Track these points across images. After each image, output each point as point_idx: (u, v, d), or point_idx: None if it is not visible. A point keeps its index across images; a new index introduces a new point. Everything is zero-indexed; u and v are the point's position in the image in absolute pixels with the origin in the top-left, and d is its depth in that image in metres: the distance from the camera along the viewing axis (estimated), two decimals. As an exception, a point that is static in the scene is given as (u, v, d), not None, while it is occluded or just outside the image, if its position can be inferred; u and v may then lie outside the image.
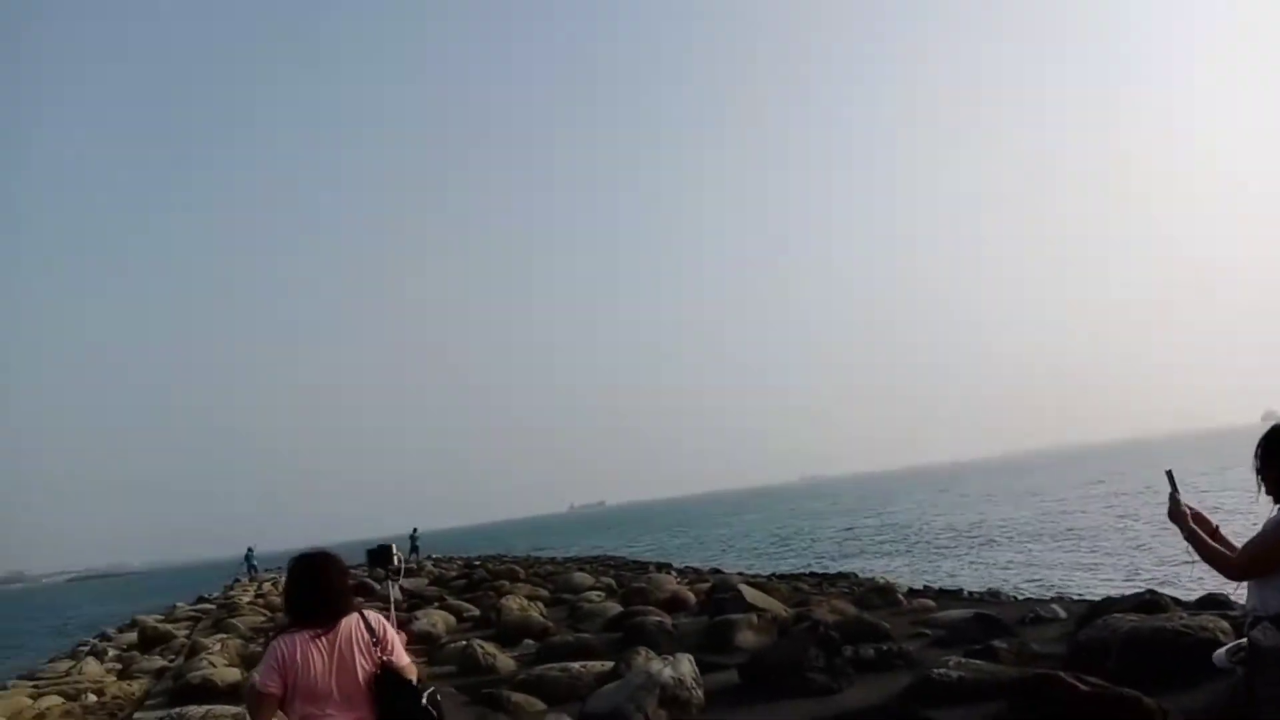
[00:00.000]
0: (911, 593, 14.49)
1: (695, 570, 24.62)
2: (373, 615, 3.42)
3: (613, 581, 19.15)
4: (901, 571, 21.53)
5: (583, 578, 19.55)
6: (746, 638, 10.24)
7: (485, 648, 10.27)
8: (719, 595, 12.56)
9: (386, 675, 3.32)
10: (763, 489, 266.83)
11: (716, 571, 23.22)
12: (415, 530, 45.75)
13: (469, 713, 8.06)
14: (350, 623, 3.35)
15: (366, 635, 3.34)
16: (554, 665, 9.26)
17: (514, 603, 14.84)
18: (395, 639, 3.44)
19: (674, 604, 14.05)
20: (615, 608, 14.08)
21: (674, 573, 22.61)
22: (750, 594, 12.07)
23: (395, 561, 4.28)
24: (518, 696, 8.28)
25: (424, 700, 3.35)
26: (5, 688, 15.62)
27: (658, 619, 11.51)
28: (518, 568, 24.42)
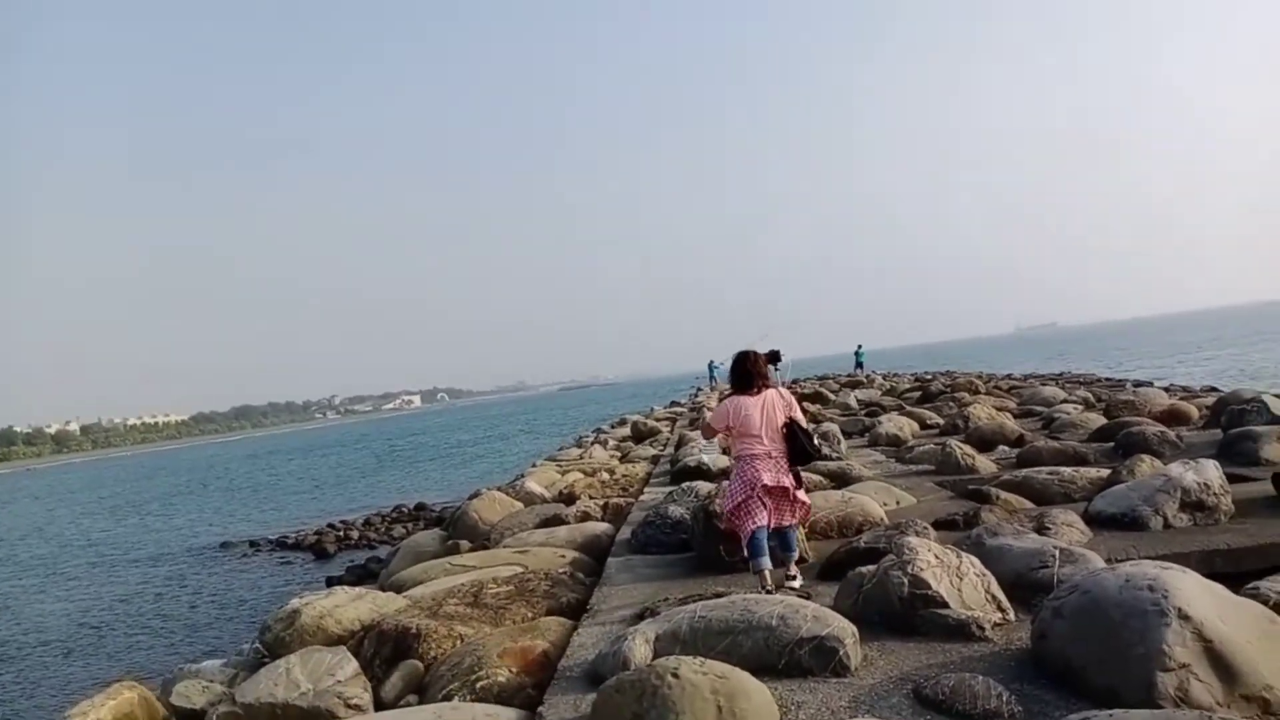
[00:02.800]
0: None
1: (1185, 388, 21.95)
2: (784, 390, 5.98)
3: (1089, 395, 17.73)
4: None
5: (1053, 391, 18.34)
6: (1275, 451, 8.89)
7: (963, 448, 10.06)
8: (1234, 406, 10.97)
9: (792, 422, 5.83)
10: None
11: (1212, 389, 20.47)
12: (859, 347, 46.40)
13: (955, 505, 8.02)
14: (770, 392, 5.88)
15: (781, 400, 5.86)
16: (1040, 469, 8.82)
17: (980, 411, 14.35)
18: (795, 404, 5.96)
19: (1171, 417, 12.61)
20: (1098, 419, 13.01)
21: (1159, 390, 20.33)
22: (1277, 405, 10.39)
23: (781, 359, 6.28)
24: (1006, 495, 8.02)
25: (815, 439, 6.19)
26: (535, 465, 18.82)
27: (1157, 429, 10.40)
28: (976, 380, 23.62)
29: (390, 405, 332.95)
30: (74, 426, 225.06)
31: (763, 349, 6.01)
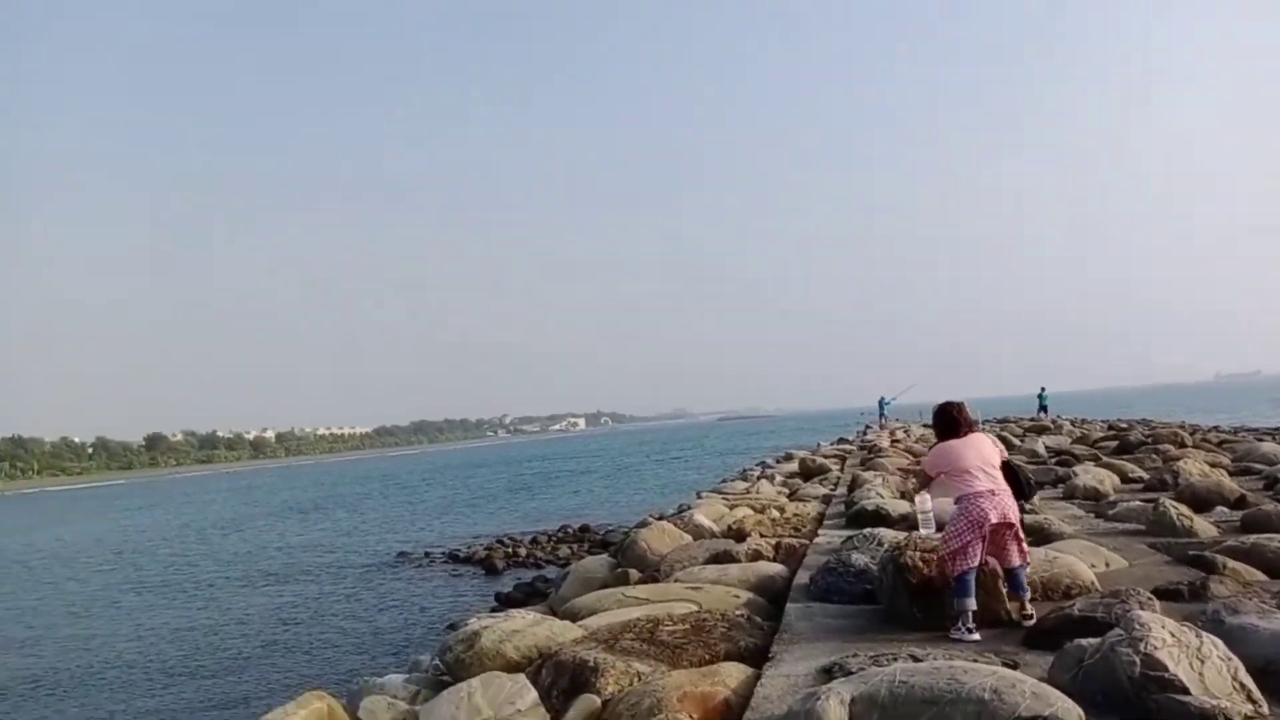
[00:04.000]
0: None
1: None
2: (989, 434, 6.37)
3: (1318, 454, 15.95)
4: None
5: (1273, 447, 16.59)
6: None
7: (1178, 509, 9.17)
8: None
9: (1008, 462, 5.96)
10: None
11: None
12: (1043, 390, 43.88)
13: (1174, 571, 7.27)
14: (978, 434, 6.05)
15: (990, 441, 6.00)
16: (1273, 535, 7.89)
17: (1192, 466, 13.14)
18: (1001, 445, 6.08)
19: None
20: (1333, 483, 11.64)
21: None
22: None
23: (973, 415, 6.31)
24: (1234, 563, 7.20)
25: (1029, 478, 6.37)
26: (700, 496, 18.65)
27: None
28: (1180, 432, 21.74)
29: (557, 427, 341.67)
30: (269, 434, 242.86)
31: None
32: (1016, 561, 5.75)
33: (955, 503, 5.78)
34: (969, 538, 5.52)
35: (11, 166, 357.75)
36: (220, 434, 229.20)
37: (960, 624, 5.50)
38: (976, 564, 5.53)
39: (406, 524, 38.31)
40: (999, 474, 5.80)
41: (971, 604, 5.48)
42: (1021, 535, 5.84)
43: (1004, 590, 5.78)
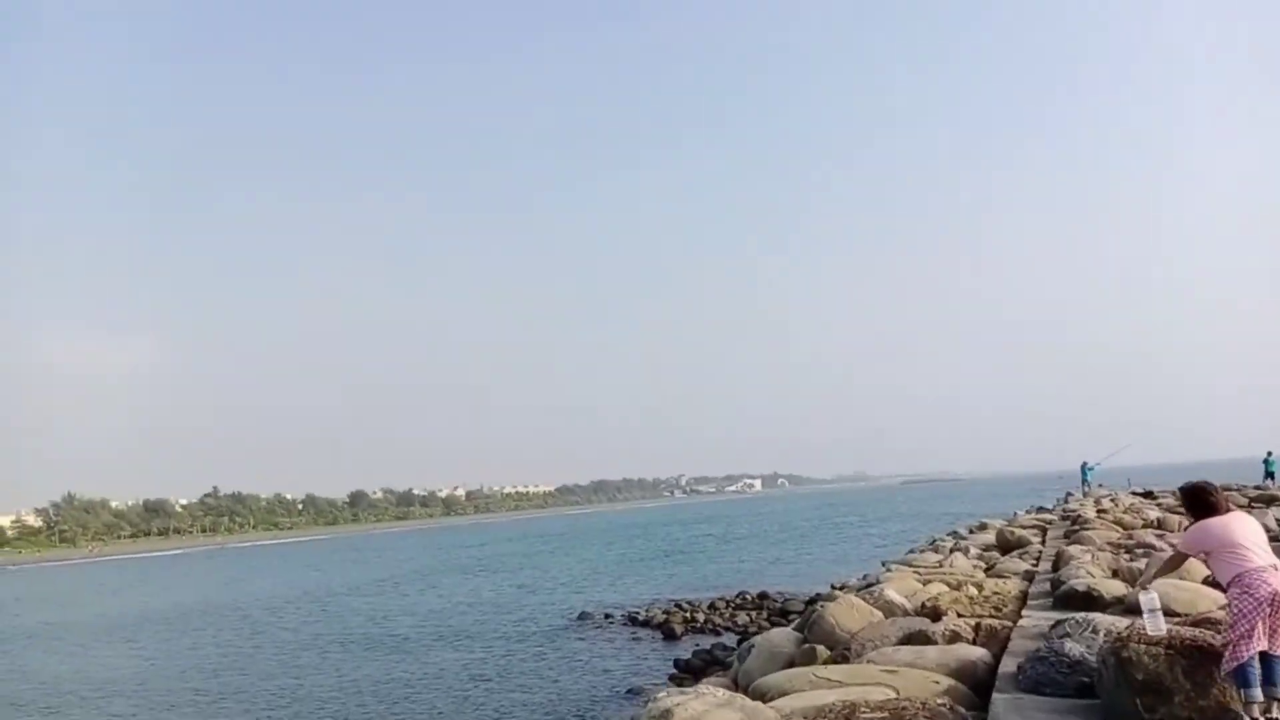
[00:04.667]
0: None
1: None
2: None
3: None
4: None
5: None
6: None
7: None
8: None
9: None
10: None
11: None
12: (1271, 455, 39.80)
13: None
14: (1239, 512, 5.77)
15: (1256, 521, 5.64)
16: None
17: None
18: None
19: None
20: None
21: None
22: None
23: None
24: None
25: None
26: (888, 569, 17.95)
27: None
28: None
29: (733, 487, 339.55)
30: (460, 492, 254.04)
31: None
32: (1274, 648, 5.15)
33: (1231, 583, 5.33)
34: (1255, 618, 5.07)
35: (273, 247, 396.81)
36: (416, 491, 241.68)
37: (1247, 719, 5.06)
38: (1260, 648, 5.05)
39: (586, 583, 38.91)
40: (1270, 551, 5.44)
41: (1259, 694, 5.04)
42: None
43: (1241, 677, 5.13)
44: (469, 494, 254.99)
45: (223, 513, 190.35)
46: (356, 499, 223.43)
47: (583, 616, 27.54)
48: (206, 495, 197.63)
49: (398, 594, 41.71)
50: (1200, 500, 5.73)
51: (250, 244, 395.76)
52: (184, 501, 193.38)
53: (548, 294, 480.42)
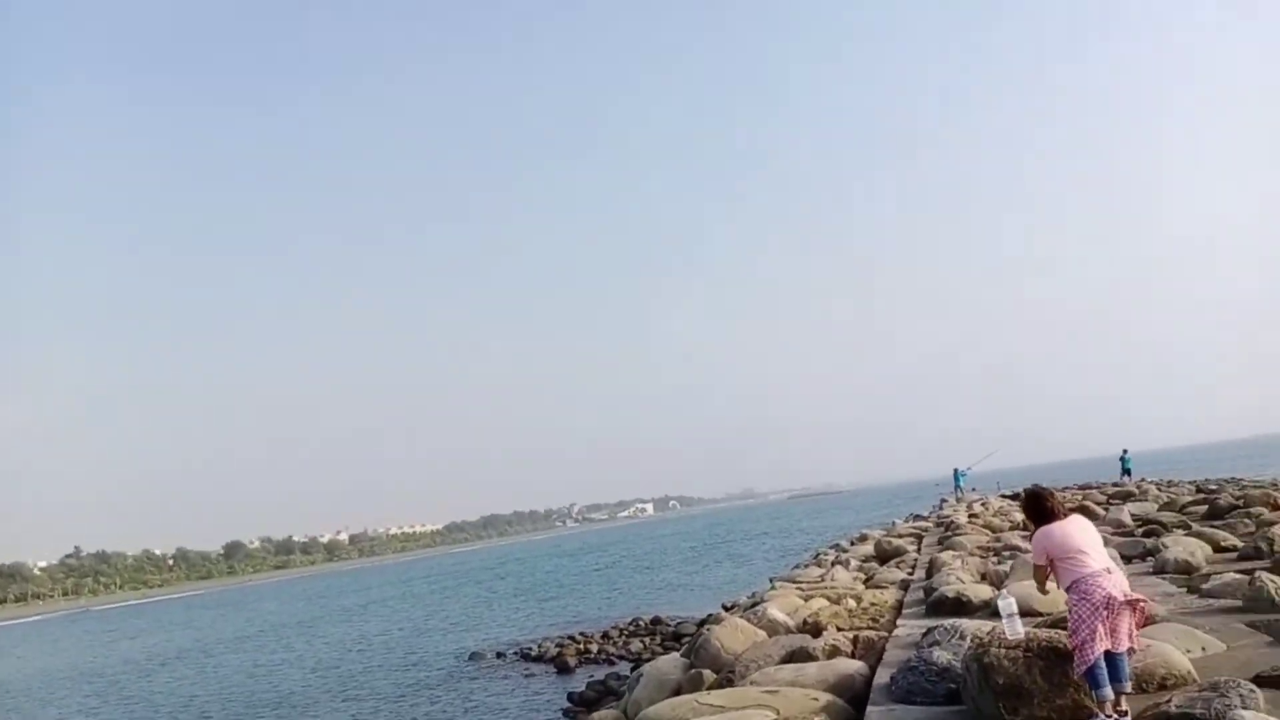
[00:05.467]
0: None
1: None
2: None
3: None
4: None
5: (1376, 507, 15.71)
6: None
7: (1276, 582, 8.69)
8: None
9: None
10: None
11: None
12: (1125, 452, 42.37)
13: (1275, 654, 6.85)
14: (1076, 516, 5.92)
15: (1091, 525, 5.87)
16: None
17: (1288, 532, 12.47)
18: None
19: None
20: None
21: None
22: None
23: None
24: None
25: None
26: (773, 586, 18.24)
27: None
28: (1273, 493, 20.66)
29: (625, 514, 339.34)
30: (343, 536, 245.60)
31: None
32: (1125, 645, 5.40)
33: (1069, 589, 5.54)
34: (1094, 622, 5.31)
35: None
36: (296, 539, 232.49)
37: (1101, 716, 5.29)
38: (1105, 648, 5.29)
39: (477, 621, 38.16)
40: (1106, 553, 5.72)
41: (1109, 693, 5.27)
42: (1147, 613, 5.73)
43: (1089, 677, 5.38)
44: (353, 538, 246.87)
45: (86, 573, 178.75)
46: (232, 550, 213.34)
47: (474, 656, 26.95)
48: (67, 556, 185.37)
49: (281, 646, 39.93)
50: (1038, 506, 5.96)
51: (100, 291, 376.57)
52: (42, 564, 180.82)
53: (424, 331, 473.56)
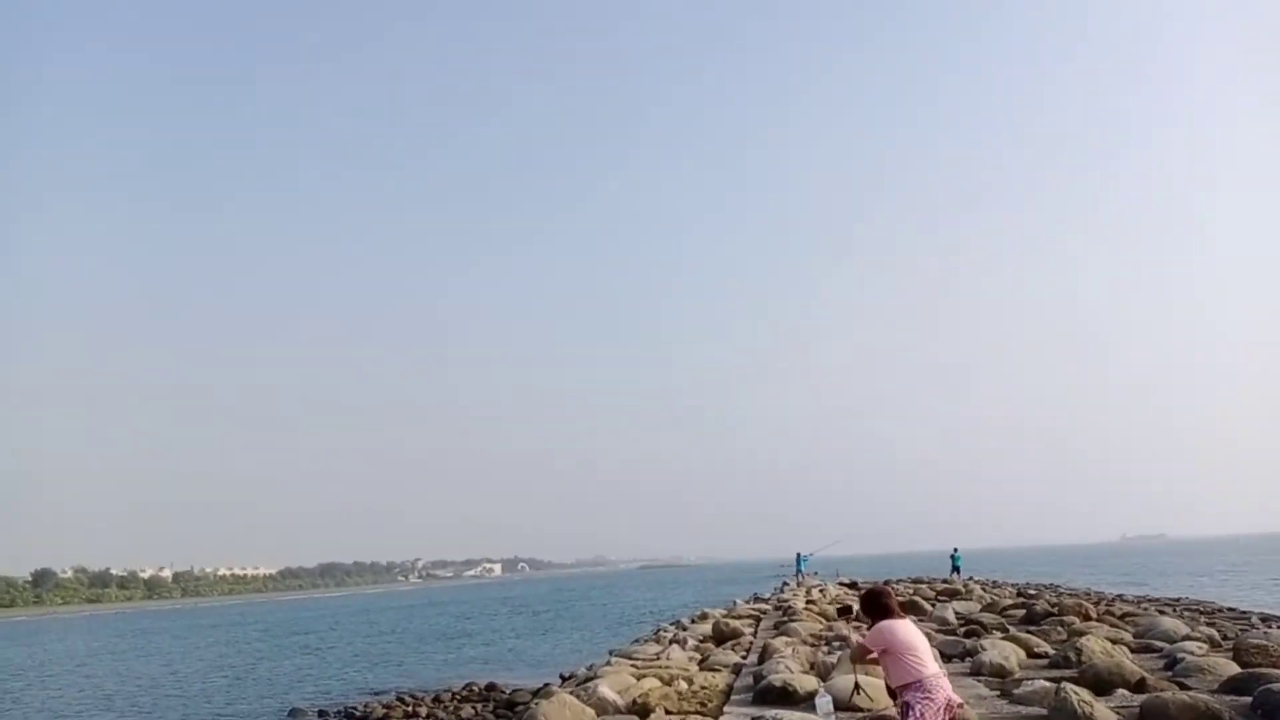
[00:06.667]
0: None
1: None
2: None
3: (1214, 633, 16.28)
4: None
5: (1174, 624, 16.90)
6: None
7: (1079, 694, 9.18)
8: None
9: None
10: None
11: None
12: (956, 550, 44.33)
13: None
14: (908, 619, 6.12)
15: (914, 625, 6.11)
16: (1169, 727, 7.94)
17: (1095, 644, 13.26)
18: None
19: (1313, 670, 11.36)
20: (1228, 665, 11.85)
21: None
22: None
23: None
24: (1131, 759, 7.19)
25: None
26: (609, 661, 18.08)
27: (1300, 688, 9.33)
28: (1085, 603, 22.05)
29: (471, 573, 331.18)
30: (166, 573, 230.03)
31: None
32: None
33: (908, 687, 5.74)
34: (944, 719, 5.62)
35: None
36: (115, 571, 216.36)
37: None
38: None
39: (303, 674, 36.15)
40: (931, 656, 6.02)
41: None
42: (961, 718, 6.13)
43: None
44: (176, 575, 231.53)
45: None
46: (41, 578, 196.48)
47: (294, 713, 25.50)
48: None
49: (84, 679, 36.74)
50: (877, 604, 6.22)
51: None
52: None
53: (274, 370, 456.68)
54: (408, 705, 24.73)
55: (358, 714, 24.42)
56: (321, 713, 25.51)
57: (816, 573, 49.34)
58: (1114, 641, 14.34)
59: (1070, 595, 25.68)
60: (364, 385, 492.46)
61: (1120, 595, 32.62)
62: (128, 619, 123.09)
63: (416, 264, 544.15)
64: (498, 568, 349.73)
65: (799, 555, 46.99)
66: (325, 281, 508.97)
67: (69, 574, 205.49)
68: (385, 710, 24.04)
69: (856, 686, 7.87)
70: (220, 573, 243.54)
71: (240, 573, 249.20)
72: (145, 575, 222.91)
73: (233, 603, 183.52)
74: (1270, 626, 19.41)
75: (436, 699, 25.74)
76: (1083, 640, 13.38)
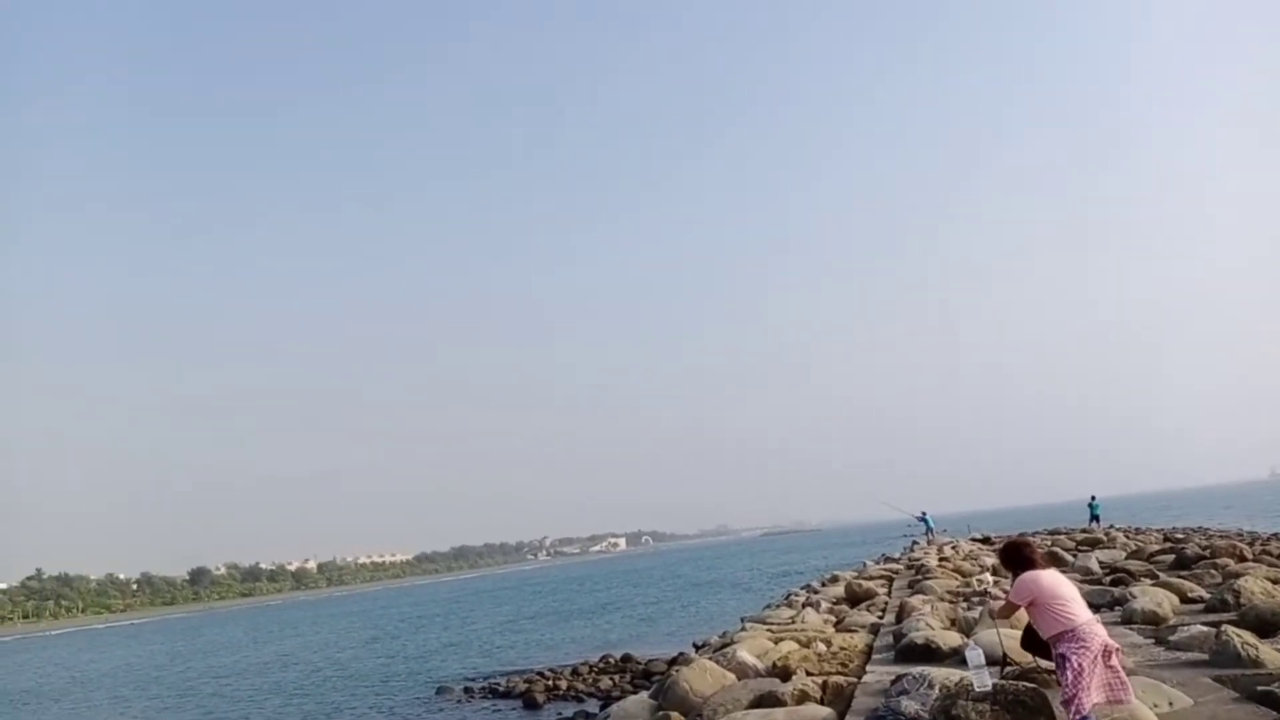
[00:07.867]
0: None
1: None
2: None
3: (1389, 568, 15.24)
4: None
5: (1338, 560, 15.90)
6: None
7: (1241, 636, 8.76)
8: None
9: None
10: None
11: None
12: (1094, 498, 42.73)
13: (1242, 711, 6.90)
14: (1052, 569, 5.99)
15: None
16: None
17: (1254, 585, 12.58)
18: None
19: None
20: None
21: None
22: None
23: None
24: (1307, 701, 6.84)
25: None
26: (744, 627, 18.17)
27: None
28: (1239, 544, 20.87)
29: (597, 548, 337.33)
30: (311, 564, 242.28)
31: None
32: (1121, 697, 5.63)
33: (1060, 637, 5.61)
34: (1093, 672, 5.44)
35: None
36: (263, 566, 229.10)
37: None
38: (1098, 700, 5.45)
39: (444, 654, 37.64)
40: (1080, 599, 5.85)
41: None
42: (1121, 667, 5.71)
43: None
44: (321, 566, 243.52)
45: (47, 596, 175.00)
46: (197, 576, 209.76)
47: (441, 690, 26.56)
48: (29, 578, 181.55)
49: (258, 673, 39.15)
50: (1018, 555, 6.11)
51: (71, 305, 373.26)
52: (2, 586, 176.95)
53: (394, 363, 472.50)
54: (548, 679, 25.44)
55: (500, 689, 25.26)
56: (466, 688, 26.49)
57: (945, 530, 48.38)
58: (1274, 581, 13.58)
59: (1222, 537, 24.39)
60: (485, 375, 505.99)
61: (1276, 534, 30.82)
62: (278, 610, 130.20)
63: (521, 254, 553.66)
64: (622, 542, 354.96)
65: (924, 515, 46.24)
66: (453, 281, 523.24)
67: (222, 570, 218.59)
68: (527, 684, 24.79)
69: (1005, 658, 7.66)
70: (360, 561, 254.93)
71: (379, 560, 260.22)
72: (292, 568, 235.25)
73: (373, 589, 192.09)
74: None
75: (575, 671, 26.40)
76: (1240, 581, 12.71)
